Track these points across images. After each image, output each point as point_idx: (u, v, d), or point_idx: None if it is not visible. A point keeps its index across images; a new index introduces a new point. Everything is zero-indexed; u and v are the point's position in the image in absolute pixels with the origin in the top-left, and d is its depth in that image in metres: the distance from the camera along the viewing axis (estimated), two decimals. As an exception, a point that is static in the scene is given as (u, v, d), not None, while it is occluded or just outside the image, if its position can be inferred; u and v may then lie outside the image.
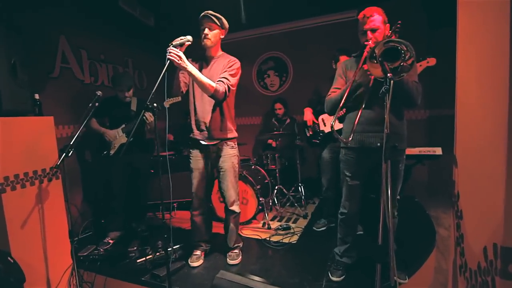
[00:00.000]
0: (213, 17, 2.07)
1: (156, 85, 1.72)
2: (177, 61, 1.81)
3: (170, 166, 3.71)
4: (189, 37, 1.89)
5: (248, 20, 4.18)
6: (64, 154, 2.02)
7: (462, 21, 1.37)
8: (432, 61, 2.28)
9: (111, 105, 2.86)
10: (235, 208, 2.32)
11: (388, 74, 1.29)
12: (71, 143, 2.06)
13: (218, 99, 2.06)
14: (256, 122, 4.80)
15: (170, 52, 1.79)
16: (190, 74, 1.90)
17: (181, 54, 1.82)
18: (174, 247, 2.46)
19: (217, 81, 2.04)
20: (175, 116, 3.85)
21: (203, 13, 2.08)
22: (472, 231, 1.11)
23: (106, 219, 3.10)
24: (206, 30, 2.08)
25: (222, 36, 2.19)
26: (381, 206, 1.35)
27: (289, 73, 4.55)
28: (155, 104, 1.73)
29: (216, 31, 2.12)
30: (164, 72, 1.74)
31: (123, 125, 2.84)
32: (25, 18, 2.64)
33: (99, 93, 2.42)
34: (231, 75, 2.10)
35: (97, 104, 2.42)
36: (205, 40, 2.11)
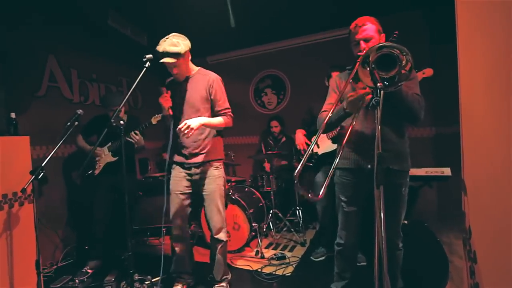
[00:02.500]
0: (171, 57, 1.89)
1: (125, 98, 1.57)
2: (193, 130, 1.84)
3: (160, 188, 3.57)
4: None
5: (245, 38, 4.14)
6: (33, 177, 1.87)
7: (462, 30, 1.21)
8: (428, 72, 2.11)
9: (100, 124, 2.73)
10: (222, 236, 2.10)
11: (378, 84, 1.11)
12: (43, 164, 1.91)
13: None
14: (253, 141, 4.63)
15: (186, 134, 1.82)
16: (205, 125, 1.94)
17: (191, 124, 1.81)
18: (152, 280, 2.22)
19: (221, 115, 2.06)
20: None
21: (160, 54, 1.89)
22: (490, 280, 0.86)
23: (89, 245, 2.89)
24: (173, 70, 1.97)
25: (187, 58, 2.02)
26: (375, 238, 1.13)
27: (286, 91, 4.43)
28: (121, 122, 1.56)
29: (181, 62, 1.94)
30: (132, 88, 1.61)
31: (109, 144, 2.70)
32: (12, 36, 2.59)
33: (79, 111, 2.31)
34: (223, 101, 2.08)
35: (76, 123, 2.31)
36: (176, 76, 2.03)
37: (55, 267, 2.78)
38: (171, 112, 2.03)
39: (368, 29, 1.59)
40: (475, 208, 1.02)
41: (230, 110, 2.10)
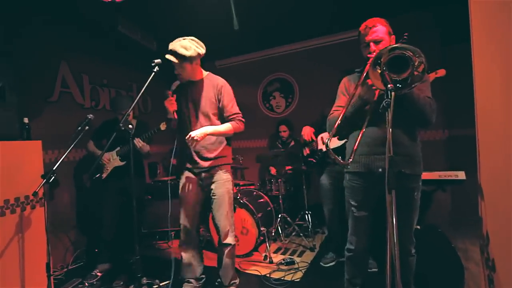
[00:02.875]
0: (176, 57, 1.90)
1: (134, 102, 1.58)
2: (197, 141, 1.87)
3: (168, 192, 3.58)
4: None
5: (253, 42, 4.15)
6: (44, 180, 1.90)
7: (476, 30, 1.17)
8: (441, 72, 2.06)
9: (110, 128, 2.77)
10: (230, 240, 2.08)
11: (389, 85, 1.08)
12: (54, 168, 1.94)
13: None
14: (261, 145, 4.61)
15: (191, 141, 1.86)
16: (211, 134, 1.95)
17: (194, 135, 1.85)
18: (161, 284, 2.21)
19: (229, 121, 2.04)
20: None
21: (168, 50, 1.92)
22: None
23: (98, 249, 2.91)
24: (177, 69, 1.98)
25: (197, 62, 2.01)
26: (387, 244, 1.09)
27: (295, 95, 4.41)
28: (130, 126, 1.57)
29: (188, 65, 1.95)
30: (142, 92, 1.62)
31: (118, 148, 2.73)
32: (25, 43, 2.66)
33: (90, 116, 2.34)
34: (232, 106, 2.06)
35: (87, 127, 2.34)
36: (179, 77, 2.04)
37: (65, 270, 2.81)
38: (175, 116, 2.02)
39: (378, 30, 1.57)
40: (492, 212, 0.97)
41: (240, 115, 2.07)
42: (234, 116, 2.05)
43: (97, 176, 2.69)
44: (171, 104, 1.99)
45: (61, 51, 3.05)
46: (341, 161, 1.40)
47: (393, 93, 1.06)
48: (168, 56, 1.90)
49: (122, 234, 2.81)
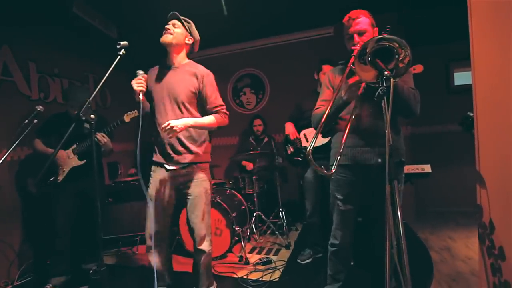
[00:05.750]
0: (180, 17, 1.84)
1: (96, 90, 1.37)
2: (177, 132, 1.66)
3: (132, 194, 3.30)
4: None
5: (222, 36, 4.00)
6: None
7: (476, 28, 1.18)
8: (419, 68, 2.13)
9: (59, 122, 2.44)
10: (205, 246, 1.90)
11: (386, 72, 1.05)
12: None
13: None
14: (232, 142, 4.48)
15: (169, 130, 1.63)
16: (192, 127, 1.77)
17: (174, 124, 1.63)
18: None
19: (213, 113, 1.86)
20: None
21: (171, 13, 1.84)
22: None
23: (51, 260, 2.55)
24: (169, 26, 1.81)
25: (188, 42, 1.89)
26: (386, 237, 1.06)
27: (265, 91, 4.35)
28: (92, 116, 1.35)
29: (180, 30, 1.83)
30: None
31: (74, 145, 2.41)
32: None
33: (39, 107, 2.03)
34: (216, 96, 1.88)
35: (35, 121, 2.02)
36: (164, 34, 1.80)
37: (10, 286, 2.43)
38: (143, 98, 1.73)
39: (362, 22, 1.55)
40: (496, 199, 0.96)
41: (224, 107, 1.89)
42: (218, 108, 1.86)
43: (51, 179, 2.34)
44: (138, 83, 1.68)
45: (2, 34, 2.61)
46: (324, 171, 1.32)
47: (391, 80, 1.02)
48: (174, 14, 1.83)
49: (78, 242, 2.50)
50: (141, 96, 1.68)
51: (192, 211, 1.88)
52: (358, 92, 1.44)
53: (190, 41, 1.90)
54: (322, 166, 2.42)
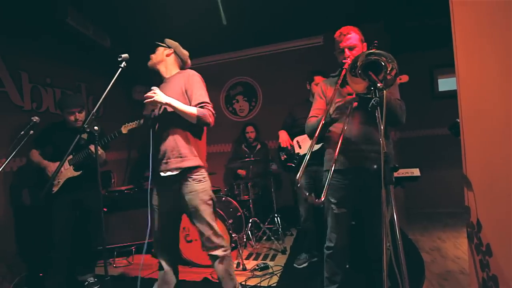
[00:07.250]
0: (157, 46, 1.98)
1: (99, 102, 1.40)
2: (156, 101, 1.73)
3: (127, 203, 3.28)
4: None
5: (216, 45, 4.07)
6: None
7: (459, 32, 1.27)
8: (404, 78, 2.24)
9: (56, 132, 2.43)
10: (219, 252, 1.86)
11: (378, 84, 1.12)
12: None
13: (207, 124, 1.84)
14: (225, 149, 4.52)
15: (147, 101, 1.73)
16: (169, 106, 1.76)
17: (158, 94, 1.72)
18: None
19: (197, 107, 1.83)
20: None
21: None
22: (509, 269, 0.88)
23: (45, 273, 2.51)
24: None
25: (169, 53, 1.95)
26: (383, 239, 1.12)
27: (258, 98, 4.43)
28: (96, 128, 1.38)
29: (156, 52, 1.96)
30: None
31: (71, 156, 2.40)
32: None
33: (35, 119, 2.04)
34: (201, 94, 1.84)
35: (31, 132, 2.02)
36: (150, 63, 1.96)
37: (1, 302, 2.38)
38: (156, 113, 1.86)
39: (352, 37, 1.67)
40: (482, 199, 1.05)
41: (210, 105, 1.84)
42: (203, 104, 1.82)
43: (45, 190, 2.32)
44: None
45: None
46: (315, 200, 1.31)
47: (384, 91, 1.10)
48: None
49: (75, 253, 2.47)
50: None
51: (196, 223, 1.86)
52: (346, 110, 1.52)
53: (170, 51, 1.97)
54: (314, 173, 2.49)
